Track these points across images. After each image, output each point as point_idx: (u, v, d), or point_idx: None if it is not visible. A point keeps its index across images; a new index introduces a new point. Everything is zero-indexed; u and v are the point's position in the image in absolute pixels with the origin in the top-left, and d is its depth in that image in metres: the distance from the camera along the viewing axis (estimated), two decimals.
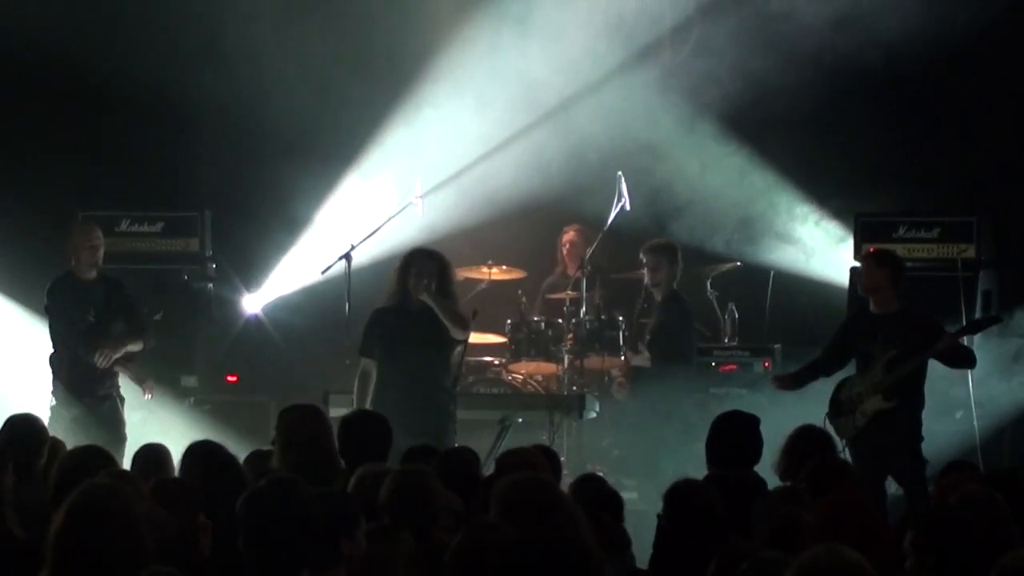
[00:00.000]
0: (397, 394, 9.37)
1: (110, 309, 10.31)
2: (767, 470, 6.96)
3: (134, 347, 10.36)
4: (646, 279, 11.14)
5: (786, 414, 9.90)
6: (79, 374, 10.22)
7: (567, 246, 12.45)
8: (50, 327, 10.42)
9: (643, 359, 11.14)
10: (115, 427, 10.14)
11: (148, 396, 10.45)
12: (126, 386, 10.42)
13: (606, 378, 11.79)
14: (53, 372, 10.31)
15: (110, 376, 10.28)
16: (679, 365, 10.92)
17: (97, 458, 6.50)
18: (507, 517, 4.98)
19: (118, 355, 10.24)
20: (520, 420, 10.93)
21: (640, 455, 10.58)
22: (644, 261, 11.09)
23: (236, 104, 12.36)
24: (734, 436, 6.96)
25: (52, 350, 10.37)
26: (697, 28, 12.61)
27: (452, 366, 9.81)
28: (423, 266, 9.55)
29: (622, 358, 11.53)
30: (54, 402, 10.21)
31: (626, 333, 11.52)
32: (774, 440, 7.33)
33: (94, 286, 10.36)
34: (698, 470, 6.89)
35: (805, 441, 7.14)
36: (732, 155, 12.46)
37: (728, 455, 6.85)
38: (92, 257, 10.34)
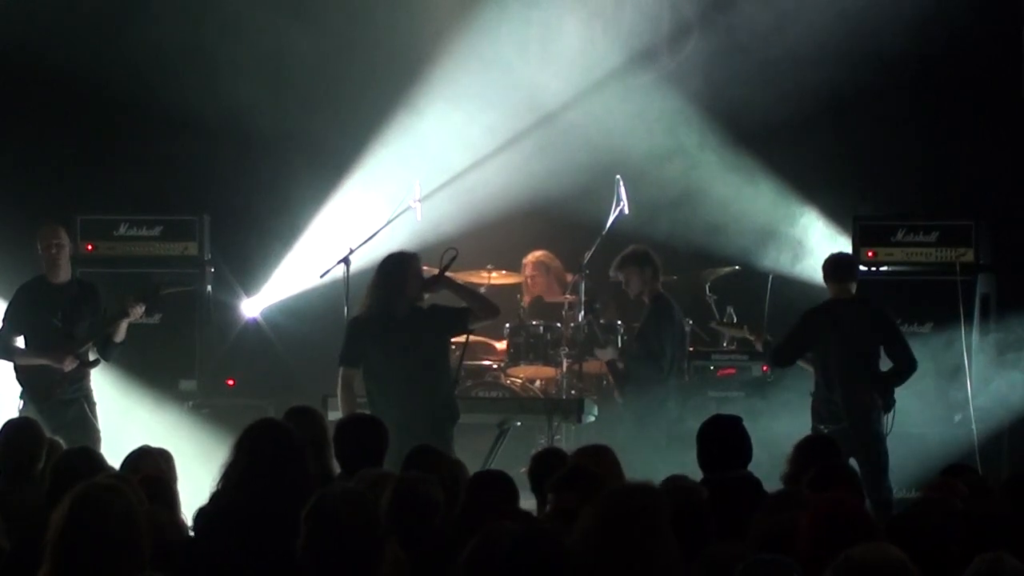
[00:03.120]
0: (399, 399, 9.25)
1: (77, 312, 10.09)
2: (761, 471, 6.96)
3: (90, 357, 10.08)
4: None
5: (784, 418, 9.93)
6: (34, 375, 10.01)
7: (527, 281, 12.41)
8: None
9: (609, 352, 11.13)
10: (83, 433, 9.69)
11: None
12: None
13: (604, 382, 11.79)
14: (15, 373, 10.14)
15: (74, 380, 10.03)
16: (648, 365, 10.88)
17: (89, 461, 6.50)
18: (608, 526, 4.75)
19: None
20: (519, 424, 10.94)
21: (635, 457, 10.56)
22: (619, 279, 11.03)
23: (235, 108, 12.35)
24: (723, 439, 6.92)
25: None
26: (695, 32, 12.62)
27: (451, 369, 9.77)
28: (417, 267, 9.48)
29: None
30: (21, 404, 10.05)
31: (624, 337, 11.51)
32: (775, 445, 7.33)
33: (64, 289, 10.17)
34: (694, 472, 6.88)
35: (811, 449, 7.14)
36: (730, 159, 12.46)
37: (720, 458, 6.83)
38: (52, 259, 10.10)
